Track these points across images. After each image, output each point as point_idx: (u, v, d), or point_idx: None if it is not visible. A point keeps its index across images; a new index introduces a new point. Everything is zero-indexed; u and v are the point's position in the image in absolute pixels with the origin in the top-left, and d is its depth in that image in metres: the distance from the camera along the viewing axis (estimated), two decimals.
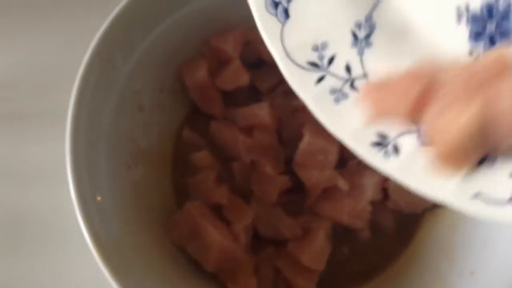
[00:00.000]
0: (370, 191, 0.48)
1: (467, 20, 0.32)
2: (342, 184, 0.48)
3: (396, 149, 0.32)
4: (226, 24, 0.52)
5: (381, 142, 0.32)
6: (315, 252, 0.46)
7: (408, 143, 0.32)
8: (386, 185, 0.49)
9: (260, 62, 0.54)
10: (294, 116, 0.51)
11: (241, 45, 0.51)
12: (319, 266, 0.46)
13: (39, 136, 0.57)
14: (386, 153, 0.32)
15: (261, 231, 0.48)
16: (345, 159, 0.50)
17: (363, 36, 0.33)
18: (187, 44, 0.50)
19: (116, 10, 0.42)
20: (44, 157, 0.56)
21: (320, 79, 0.33)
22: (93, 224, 0.38)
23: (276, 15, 0.33)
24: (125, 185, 0.44)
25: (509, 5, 0.31)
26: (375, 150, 0.32)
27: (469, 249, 0.46)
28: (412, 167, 0.32)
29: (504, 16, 0.31)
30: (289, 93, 0.53)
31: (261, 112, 0.49)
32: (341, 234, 0.49)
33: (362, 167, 0.50)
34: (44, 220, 0.54)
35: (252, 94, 0.53)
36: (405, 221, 0.50)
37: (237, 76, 0.51)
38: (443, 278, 0.45)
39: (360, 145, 0.33)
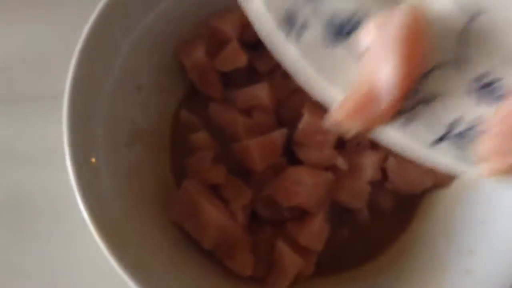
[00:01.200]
0: (369, 171, 0.48)
1: None
2: (341, 163, 0.48)
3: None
4: (225, 4, 0.52)
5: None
6: (314, 232, 0.46)
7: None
8: (385, 166, 0.49)
9: (259, 44, 0.53)
10: (293, 97, 0.51)
11: (240, 26, 0.51)
12: (317, 246, 0.46)
13: (39, 119, 0.57)
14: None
15: (259, 211, 0.48)
16: (344, 139, 0.50)
17: None
18: (186, 24, 0.50)
19: None
20: (44, 139, 0.56)
21: None
22: (91, 202, 0.38)
23: None
24: (123, 164, 0.44)
25: None
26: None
27: (468, 228, 0.45)
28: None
29: None
30: (288, 75, 0.53)
31: (261, 93, 0.49)
32: (340, 215, 0.49)
33: (362, 147, 0.50)
34: (44, 202, 0.54)
35: (251, 75, 0.53)
36: (404, 201, 0.50)
37: (235, 57, 0.50)
38: (442, 258, 0.45)
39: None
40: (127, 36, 0.45)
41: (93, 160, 0.41)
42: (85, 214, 0.38)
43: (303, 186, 0.46)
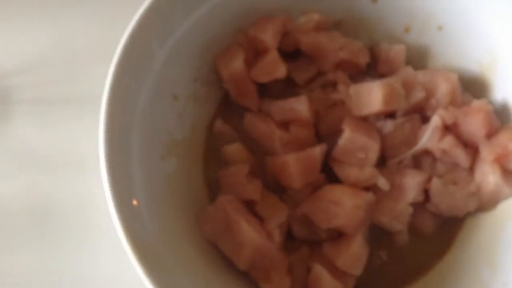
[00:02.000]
0: (411, 192, 0.46)
1: None
2: (383, 183, 0.46)
3: None
4: (264, 12, 0.50)
5: None
6: (353, 256, 0.43)
7: None
8: (428, 187, 0.46)
9: (298, 53, 0.52)
10: (332, 110, 0.49)
11: (279, 35, 0.49)
12: (356, 271, 0.44)
13: (70, 123, 0.56)
14: None
15: (295, 230, 0.46)
16: (386, 156, 0.48)
17: None
18: (223, 32, 0.48)
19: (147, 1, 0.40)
20: (75, 144, 0.55)
21: None
22: (127, 221, 0.36)
23: None
24: (158, 176, 0.42)
25: None
26: None
27: None
28: None
29: None
30: (327, 86, 0.51)
31: (300, 107, 0.47)
32: (379, 237, 0.47)
33: (404, 166, 0.47)
34: (71, 208, 0.53)
35: (288, 86, 0.51)
36: (445, 225, 0.48)
37: (273, 68, 0.48)
38: None
39: None
40: (164, 45, 0.44)
41: (129, 173, 0.39)
42: (121, 234, 0.36)
43: (342, 207, 0.43)
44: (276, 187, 0.48)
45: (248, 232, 0.42)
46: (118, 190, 0.37)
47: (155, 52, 0.43)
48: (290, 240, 0.46)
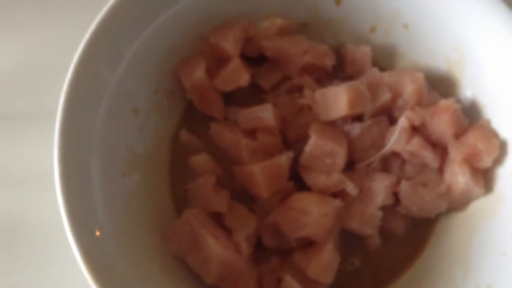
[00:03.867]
0: (380, 196, 0.45)
1: None
2: (351, 188, 0.45)
3: None
4: (225, 18, 0.49)
5: None
6: (323, 264, 0.43)
7: None
8: (397, 189, 0.46)
9: (263, 58, 0.51)
10: (299, 116, 0.48)
11: (241, 42, 0.48)
12: (327, 279, 0.43)
13: (29, 138, 0.54)
14: None
15: (265, 240, 0.45)
16: (354, 161, 0.47)
17: None
18: (183, 42, 0.47)
19: (101, 13, 0.39)
20: (34, 160, 0.54)
21: None
22: (85, 244, 0.35)
23: None
24: (119, 196, 0.41)
25: None
26: None
27: (487, 260, 0.42)
28: None
29: None
30: (294, 91, 0.50)
31: (265, 115, 0.46)
32: (350, 242, 0.46)
33: (372, 169, 0.47)
34: (35, 226, 0.52)
35: (254, 92, 0.50)
36: (417, 227, 0.47)
37: (237, 76, 0.48)
38: None
39: None
40: (115, 69, 0.42)
41: (87, 194, 0.38)
42: (77, 255, 0.35)
43: (310, 216, 0.43)
44: (245, 196, 0.47)
45: (215, 246, 0.42)
46: (76, 212, 0.36)
47: (106, 76, 0.41)
48: (260, 250, 0.46)
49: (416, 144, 0.45)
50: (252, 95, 0.50)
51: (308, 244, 0.45)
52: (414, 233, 0.48)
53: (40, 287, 0.50)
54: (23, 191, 0.53)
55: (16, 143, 0.55)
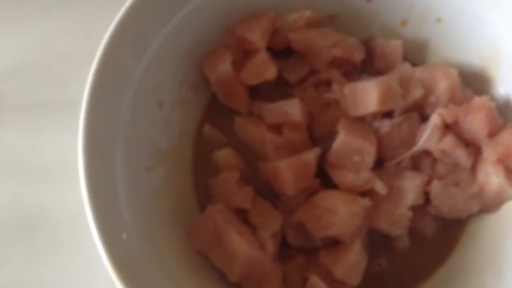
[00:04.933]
0: (410, 195, 0.44)
1: None
2: (380, 187, 0.43)
3: None
4: (252, 10, 0.47)
5: None
6: (350, 265, 0.41)
7: None
8: (428, 189, 0.44)
9: (289, 51, 0.49)
10: (326, 111, 0.47)
11: (268, 34, 0.47)
12: (354, 280, 0.42)
13: (54, 128, 0.54)
14: None
15: (290, 238, 0.44)
16: (383, 159, 0.46)
17: None
18: (208, 34, 0.46)
19: (126, 4, 0.38)
20: (58, 151, 0.53)
21: None
22: (110, 240, 0.35)
23: None
24: (143, 191, 0.40)
25: None
26: None
27: None
28: None
29: None
30: (321, 85, 0.49)
31: (292, 109, 0.45)
32: (378, 242, 0.45)
33: (402, 168, 0.45)
34: (59, 218, 0.51)
35: (280, 85, 0.49)
36: (447, 228, 0.46)
37: (263, 70, 0.46)
38: None
39: None
40: (140, 60, 0.41)
41: (112, 189, 0.37)
42: (102, 253, 0.34)
43: (337, 215, 0.41)
44: (269, 192, 0.46)
45: (239, 243, 0.40)
46: (100, 209, 0.35)
47: (131, 68, 0.41)
48: (285, 248, 0.45)
49: (448, 142, 0.43)
50: (277, 89, 0.49)
51: (335, 244, 0.43)
52: (443, 234, 0.46)
53: (64, 280, 0.50)
54: (46, 183, 0.53)
55: (38, 134, 0.54)
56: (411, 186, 0.44)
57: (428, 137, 0.44)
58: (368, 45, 0.50)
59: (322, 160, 0.46)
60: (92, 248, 0.48)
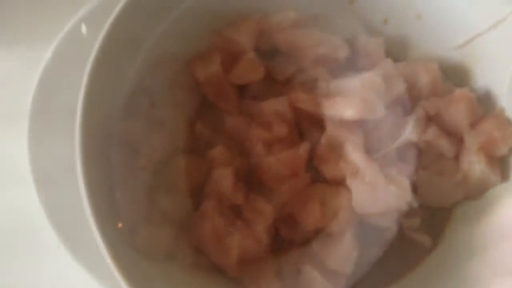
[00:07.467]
0: None
1: None
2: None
3: None
4: (238, 12, 0.49)
5: None
6: (343, 254, 0.43)
7: None
8: (413, 179, 0.46)
9: (275, 51, 0.51)
10: (314, 107, 0.48)
11: (255, 35, 0.48)
12: (347, 269, 0.43)
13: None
14: None
15: (283, 231, 0.46)
16: (370, 151, 0.47)
17: None
18: (198, 36, 0.47)
19: (118, 8, 0.40)
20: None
21: None
22: (112, 245, 0.36)
23: None
24: (139, 190, 0.42)
25: None
26: None
27: (507, 246, 0.42)
28: None
29: None
30: (308, 83, 0.51)
31: (281, 107, 0.46)
32: (367, 233, 0.46)
33: (388, 159, 0.47)
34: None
35: (268, 84, 0.50)
36: (433, 217, 0.47)
37: (251, 70, 0.48)
38: (478, 279, 0.42)
39: None
40: (135, 54, 0.43)
41: (108, 189, 0.38)
42: (103, 252, 0.35)
43: (328, 208, 0.43)
44: (262, 188, 0.47)
45: (235, 238, 0.42)
46: (100, 212, 0.37)
47: (125, 69, 0.42)
48: (279, 241, 0.46)
49: (432, 133, 0.45)
50: (266, 87, 0.50)
51: (327, 235, 0.45)
52: (430, 222, 0.48)
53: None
54: None
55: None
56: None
57: (412, 129, 0.46)
58: (351, 44, 0.52)
59: (311, 155, 0.47)
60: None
